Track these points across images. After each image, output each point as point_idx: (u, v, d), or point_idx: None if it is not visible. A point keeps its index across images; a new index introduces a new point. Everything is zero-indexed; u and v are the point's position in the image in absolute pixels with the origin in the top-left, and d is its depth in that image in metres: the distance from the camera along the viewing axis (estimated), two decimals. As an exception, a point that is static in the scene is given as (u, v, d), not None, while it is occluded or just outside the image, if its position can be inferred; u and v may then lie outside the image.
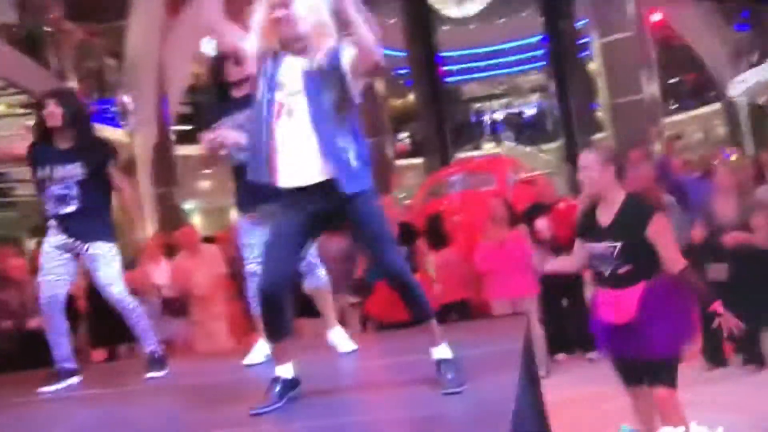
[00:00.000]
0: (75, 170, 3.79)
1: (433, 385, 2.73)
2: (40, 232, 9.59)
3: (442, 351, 2.78)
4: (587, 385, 5.38)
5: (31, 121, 8.50)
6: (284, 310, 2.72)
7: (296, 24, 2.72)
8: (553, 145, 20.60)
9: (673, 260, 3.13)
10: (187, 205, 12.72)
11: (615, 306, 3.19)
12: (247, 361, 3.80)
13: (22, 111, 8.36)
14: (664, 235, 3.13)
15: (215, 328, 5.92)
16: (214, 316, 5.95)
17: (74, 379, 3.86)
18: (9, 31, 7.79)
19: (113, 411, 3.32)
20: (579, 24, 17.99)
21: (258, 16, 2.77)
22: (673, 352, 3.19)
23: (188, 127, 12.35)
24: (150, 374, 3.84)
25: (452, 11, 10.00)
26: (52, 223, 3.85)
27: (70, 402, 3.64)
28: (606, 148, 3.50)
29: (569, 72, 18.36)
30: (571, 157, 17.86)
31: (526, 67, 22.17)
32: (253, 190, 3.70)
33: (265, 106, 2.72)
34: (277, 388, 2.75)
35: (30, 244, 7.85)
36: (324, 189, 2.66)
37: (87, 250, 3.82)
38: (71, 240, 3.83)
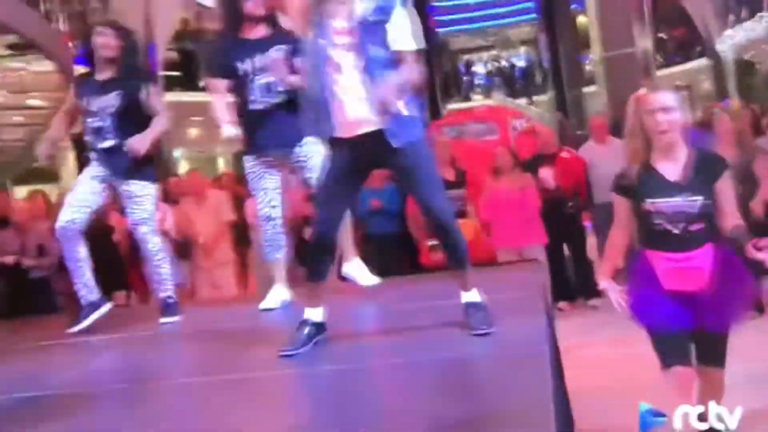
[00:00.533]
0: (110, 101, 3.71)
1: (461, 328, 2.74)
2: (24, 180, 9.47)
3: (471, 295, 2.80)
4: (590, 332, 5.43)
5: (16, 63, 8.32)
6: (331, 253, 2.83)
7: None
8: (542, 98, 20.54)
9: (736, 216, 2.82)
10: (175, 153, 12.55)
11: (685, 270, 2.81)
12: (263, 305, 3.76)
13: (6, 53, 8.12)
14: (730, 191, 2.85)
15: (220, 275, 5.87)
16: (219, 263, 5.89)
17: (104, 308, 3.80)
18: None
19: (133, 356, 3.29)
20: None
21: None
22: (733, 325, 2.86)
23: (176, 74, 12.13)
24: (164, 320, 3.79)
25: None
26: (93, 155, 3.80)
27: (80, 347, 3.59)
28: (675, 88, 3.16)
29: (559, 24, 18.20)
30: (560, 108, 17.87)
31: (516, 18, 21.94)
32: (265, 134, 3.67)
33: (321, 58, 2.71)
34: (305, 331, 2.77)
35: (18, 191, 7.67)
36: (374, 138, 2.67)
37: (122, 186, 3.76)
38: (109, 174, 3.77)
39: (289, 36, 3.70)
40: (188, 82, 12.37)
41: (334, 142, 2.77)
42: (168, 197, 6.43)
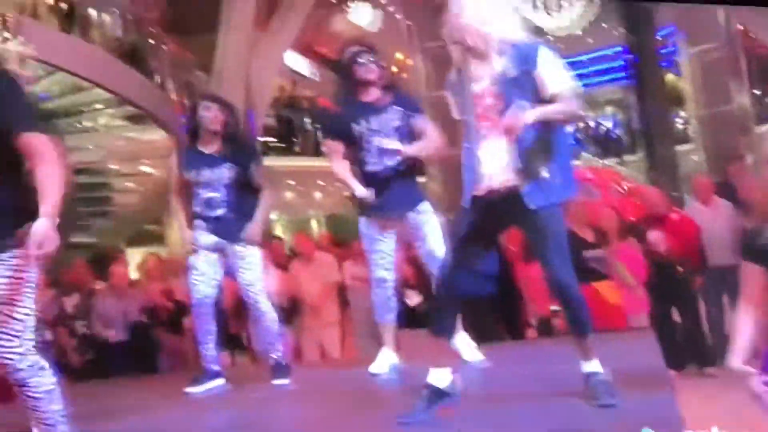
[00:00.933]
0: (222, 174, 3.85)
1: (583, 399, 2.67)
2: (136, 242, 9.94)
3: (593, 365, 2.73)
4: (705, 403, 5.17)
5: (130, 133, 8.82)
6: (455, 310, 2.80)
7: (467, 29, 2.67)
8: (632, 158, 20.13)
9: None
10: (271, 216, 12.90)
11: None
12: (372, 369, 3.78)
13: (122, 123, 8.66)
14: None
15: (326, 336, 5.95)
16: (326, 323, 5.97)
17: (220, 381, 3.90)
18: (115, 43, 8.08)
19: (248, 416, 3.34)
20: (661, 34, 17.56)
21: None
22: None
23: (273, 139, 12.57)
24: (276, 381, 3.85)
25: (546, 22, 9.80)
26: (200, 223, 3.90)
27: (197, 406, 3.69)
28: None
29: (648, 83, 17.92)
30: (652, 168, 17.42)
31: (604, 78, 21.80)
32: (382, 196, 3.72)
33: (469, 128, 2.71)
34: (426, 396, 2.72)
35: (132, 253, 8.03)
36: (510, 197, 2.66)
37: (233, 249, 3.86)
38: (219, 240, 3.88)
39: (406, 99, 3.83)
40: (284, 148, 12.80)
41: (471, 201, 2.74)
42: (272, 260, 6.60)
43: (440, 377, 2.73)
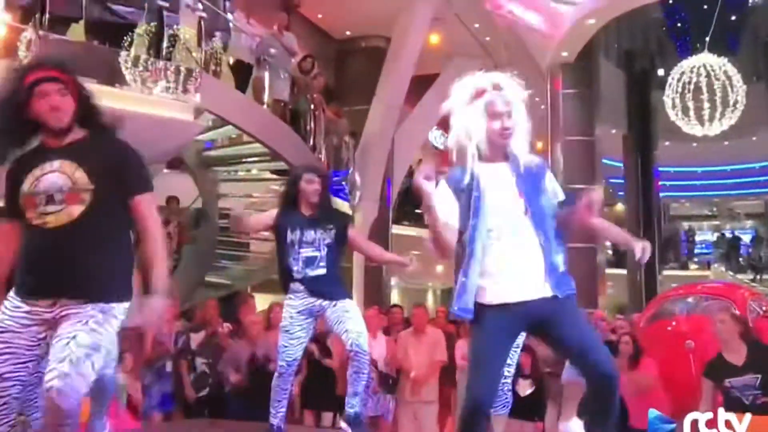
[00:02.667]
0: (324, 234, 4.14)
1: None
2: (263, 288, 10.42)
3: None
4: None
5: (277, 186, 9.39)
6: (488, 416, 2.69)
7: (515, 133, 2.68)
8: (767, 276, 19.11)
9: None
10: (392, 281, 13.21)
11: None
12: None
13: (270, 177, 9.28)
14: None
15: (424, 412, 6.03)
16: (425, 401, 6.06)
17: None
18: (280, 106, 8.76)
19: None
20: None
21: (472, 117, 2.65)
22: None
23: (405, 208, 13.00)
24: (344, 426, 4.07)
25: (696, 129, 9.87)
26: (297, 287, 4.10)
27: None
28: None
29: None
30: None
31: (746, 191, 21.03)
32: None
33: (471, 230, 2.61)
34: None
35: (260, 299, 8.50)
36: (536, 301, 2.60)
37: (335, 305, 4.08)
38: (317, 301, 4.10)
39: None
40: (414, 217, 13.18)
41: (490, 307, 2.61)
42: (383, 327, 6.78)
43: None
